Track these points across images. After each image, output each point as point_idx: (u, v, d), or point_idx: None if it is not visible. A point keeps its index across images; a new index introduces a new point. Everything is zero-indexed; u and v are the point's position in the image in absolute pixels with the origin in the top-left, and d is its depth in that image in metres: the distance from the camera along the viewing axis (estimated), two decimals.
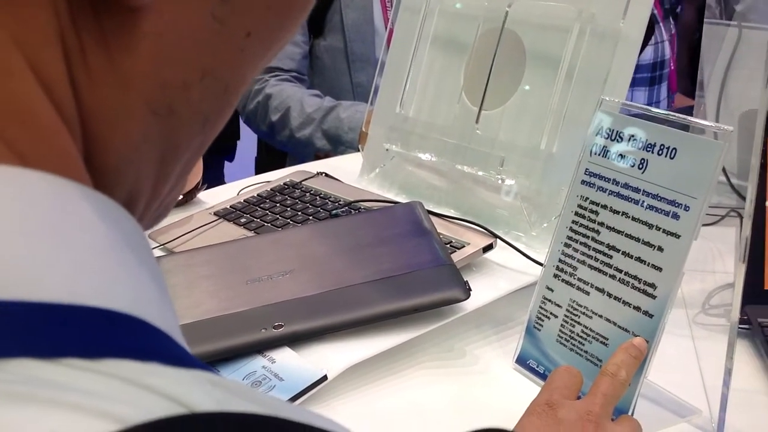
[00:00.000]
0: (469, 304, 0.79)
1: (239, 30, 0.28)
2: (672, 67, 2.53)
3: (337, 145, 1.62)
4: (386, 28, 1.72)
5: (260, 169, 1.89)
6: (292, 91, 1.70)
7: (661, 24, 2.45)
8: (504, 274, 0.88)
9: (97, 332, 0.21)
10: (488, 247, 0.89)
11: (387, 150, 1.09)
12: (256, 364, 0.75)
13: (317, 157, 1.61)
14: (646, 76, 2.48)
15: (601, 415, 0.59)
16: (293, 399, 0.71)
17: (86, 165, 0.26)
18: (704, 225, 1.04)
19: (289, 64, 1.73)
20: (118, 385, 0.20)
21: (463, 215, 0.98)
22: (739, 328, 0.83)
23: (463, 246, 0.88)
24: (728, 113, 1.04)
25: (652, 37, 2.40)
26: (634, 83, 2.48)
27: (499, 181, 0.95)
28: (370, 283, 0.80)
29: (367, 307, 0.77)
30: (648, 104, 2.51)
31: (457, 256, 0.86)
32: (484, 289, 0.85)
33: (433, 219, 0.92)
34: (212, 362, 0.76)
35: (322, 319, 0.77)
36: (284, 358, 0.75)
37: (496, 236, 0.90)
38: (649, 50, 2.43)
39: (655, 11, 2.43)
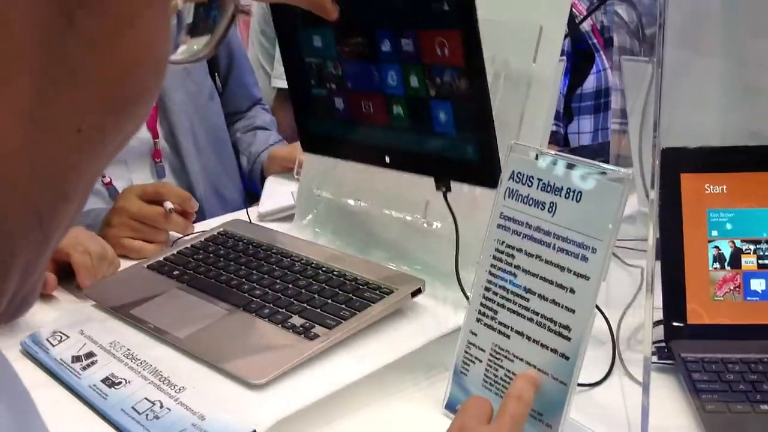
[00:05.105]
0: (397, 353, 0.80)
1: (68, 127, 0.27)
2: None
3: None
4: None
5: None
6: None
7: (602, 53, 2.50)
8: (433, 319, 0.88)
9: None
10: (417, 292, 0.89)
11: (318, 196, 1.10)
12: (185, 422, 0.75)
13: None
14: (590, 104, 2.52)
15: None
16: None
17: None
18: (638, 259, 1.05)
19: None
20: None
21: (392, 259, 0.98)
22: (664, 363, 0.84)
23: (392, 291, 0.88)
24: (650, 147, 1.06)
25: (593, 66, 2.45)
26: (580, 111, 2.52)
27: (425, 225, 0.96)
28: None
29: None
30: (594, 131, 2.56)
31: (385, 302, 0.87)
32: (413, 335, 0.85)
33: (364, 264, 0.93)
34: None
35: None
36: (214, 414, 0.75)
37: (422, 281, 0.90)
38: (591, 79, 2.48)
39: (596, 40, 2.48)
